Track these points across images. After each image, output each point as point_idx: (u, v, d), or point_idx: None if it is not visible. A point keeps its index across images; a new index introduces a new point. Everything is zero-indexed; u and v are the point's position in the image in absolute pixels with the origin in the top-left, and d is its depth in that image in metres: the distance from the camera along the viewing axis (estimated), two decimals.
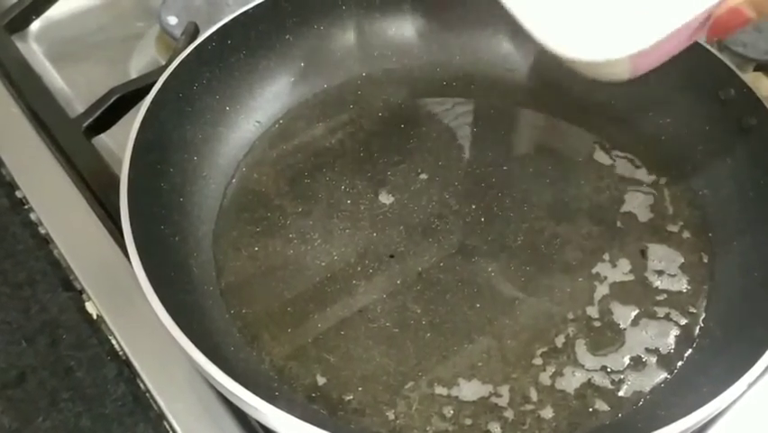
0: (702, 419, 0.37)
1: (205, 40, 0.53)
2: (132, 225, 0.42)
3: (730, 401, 0.38)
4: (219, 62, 0.54)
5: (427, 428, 0.42)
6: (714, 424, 0.43)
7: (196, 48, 0.52)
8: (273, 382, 0.44)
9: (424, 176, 0.55)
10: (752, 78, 0.59)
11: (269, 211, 0.53)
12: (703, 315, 0.47)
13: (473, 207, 0.53)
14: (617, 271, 0.49)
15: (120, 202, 0.43)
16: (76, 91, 0.65)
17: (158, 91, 0.49)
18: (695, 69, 0.52)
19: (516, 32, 0.39)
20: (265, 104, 0.57)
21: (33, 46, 0.69)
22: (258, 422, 0.43)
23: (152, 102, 0.48)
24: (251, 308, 0.48)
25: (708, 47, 0.52)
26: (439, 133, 0.58)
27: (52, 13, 0.70)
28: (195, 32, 0.63)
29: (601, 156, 0.55)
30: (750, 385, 0.38)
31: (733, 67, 0.50)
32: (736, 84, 0.50)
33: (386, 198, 0.53)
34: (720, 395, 0.37)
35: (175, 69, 0.50)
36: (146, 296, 0.39)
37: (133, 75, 0.66)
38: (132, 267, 0.47)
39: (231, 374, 0.37)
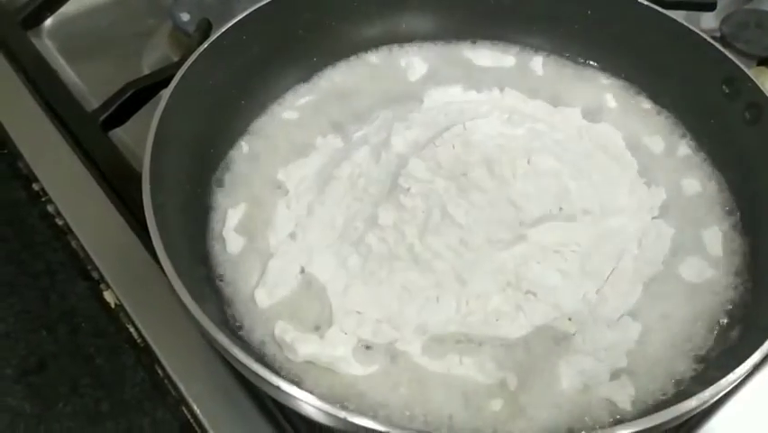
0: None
1: (220, 35, 0.53)
2: (155, 216, 0.42)
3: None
4: (234, 57, 0.54)
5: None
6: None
7: (212, 43, 0.53)
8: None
9: None
10: (755, 73, 0.60)
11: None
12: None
13: None
14: None
15: (143, 195, 0.43)
16: (89, 86, 0.66)
17: (176, 85, 0.49)
18: (701, 66, 0.53)
19: None
20: (279, 97, 0.58)
21: (47, 42, 0.70)
22: (275, 405, 0.44)
23: (171, 96, 0.49)
24: None
25: (714, 43, 0.53)
26: None
27: (66, 9, 0.71)
28: (208, 28, 0.64)
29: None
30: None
31: (738, 62, 0.51)
32: (741, 79, 0.51)
33: None
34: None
35: (192, 64, 0.51)
36: (172, 284, 0.39)
37: (146, 70, 0.66)
38: (149, 256, 0.48)
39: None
